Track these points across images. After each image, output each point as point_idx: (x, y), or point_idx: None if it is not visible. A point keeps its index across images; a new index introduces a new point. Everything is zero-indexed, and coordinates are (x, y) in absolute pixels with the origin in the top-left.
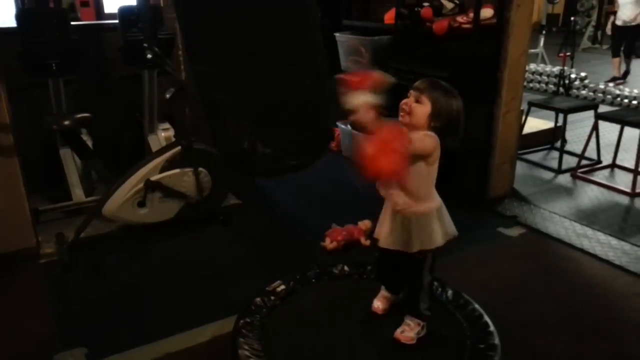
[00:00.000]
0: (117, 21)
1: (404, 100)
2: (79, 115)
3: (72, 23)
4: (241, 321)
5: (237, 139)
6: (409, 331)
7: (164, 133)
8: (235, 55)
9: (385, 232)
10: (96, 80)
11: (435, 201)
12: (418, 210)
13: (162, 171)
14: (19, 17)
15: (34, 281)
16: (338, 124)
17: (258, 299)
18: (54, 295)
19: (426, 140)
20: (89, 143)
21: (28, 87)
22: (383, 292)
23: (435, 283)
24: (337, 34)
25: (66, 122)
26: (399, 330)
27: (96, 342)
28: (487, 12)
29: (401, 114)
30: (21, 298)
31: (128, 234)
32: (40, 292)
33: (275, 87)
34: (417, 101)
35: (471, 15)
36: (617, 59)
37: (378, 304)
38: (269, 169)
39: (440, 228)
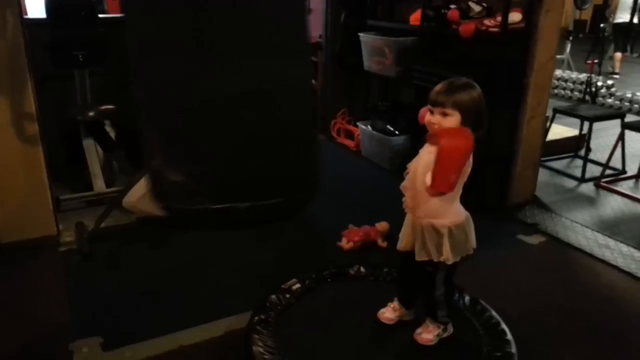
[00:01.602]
0: None
1: (430, 119)
2: (103, 107)
3: (100, 15)
4: (256, 317)
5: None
6: (427, 333)
7: None
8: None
9: (401, 234)
10: (121, 72)
11: (451, 219)
12: (431, 222)
13: None
14: (48, 8)
15: (54, 269)
16: (358, 124)
17: (273, 296)
18: (72, 283)
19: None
20: (112, 135)
21: (54, 78)
22: (394, 304)
23: (453, 289)
24: (361, 34)
25: (90, 114)
26: (418, 331)
27: (112, 332)
28: (515, 16)
29: (430, 130)
30: (40, 285)
31: (147, 226)
32: (59, 280)
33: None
34: (444, 115)
35: (499, 19)
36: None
37: (385, 313)
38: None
39: (451, 245)
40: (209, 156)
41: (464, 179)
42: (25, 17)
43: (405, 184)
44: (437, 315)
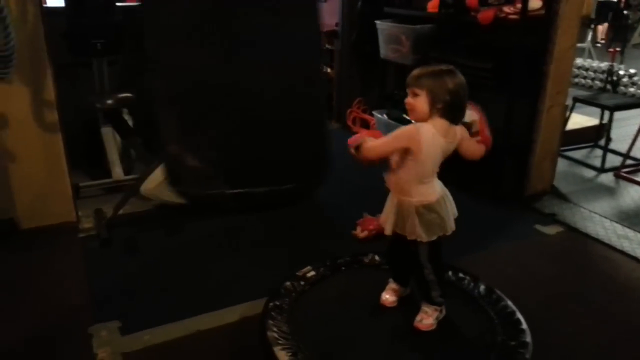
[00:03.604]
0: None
1: (406, 100)
2: (121, 95)
3: (117, 4)
4: (271, 304)
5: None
6: (427, 318)
7: None
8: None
9: (384, 216)
10: (138, 61)
11: (423, 197)
12: (405, 199)
13: None
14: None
15: (73, 254)
16: (374, 112)
17: (288, 283)
18: (91, 268)
19: (382, 140)
20: (130, 122)
21: (73, 66)
22: (391, 285)
23: (468, 277)
24: (377, 22)
25: (109, 102)
26: (417, 319)
27: (130, 317)
28: (535, 3)
29: (409, 112)
30: (60, 270)
31: (164, 212)
32: (78, 265)
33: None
34: (414, 95)
35: (519, 5)
36: None
37: (386, 297)
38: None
39: (421, 224)
40: (225, 141)
41: (436, 160)
42: (45, 5)
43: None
44: (432, 296)
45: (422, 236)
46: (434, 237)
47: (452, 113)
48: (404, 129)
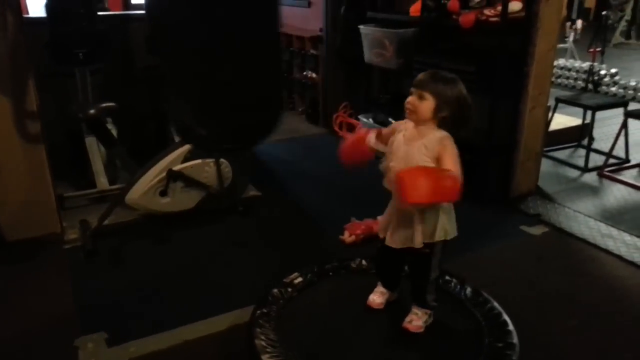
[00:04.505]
0: (144, 11)
1: (408, 99)
2: (105, 105)
3: (100, 13)
4: (258, 311)
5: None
6: (416, 320)
7: None
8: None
9: (390, 230)
10: (122, 69)
11: None
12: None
13: (184, 161)
14: (47, 6)
15: (58, 266)
16: (360, 117)
17: (275, 290)
18: (77, 280)
19: (454, 150)
20: (114, 132)
21: (55, 76)
22: (380, 288)
23: (454, 280)
24: (361, 27)
25: (92, 111)
26: (407, 320)
27: (116, 328)
28: (515, 5)
29: (407, 112)
30: (45, 282)
31: (150, 222)
32: (64, 277)
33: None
34: (420, 97)
35: (499, 8)
36: None
37: (374, 298)
38: (204, 147)
39: (446, 221)
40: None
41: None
42: (26, 16)
43: (391, 181)
44: (427, 300)
45: (442, 235)
46: (456, 233)
47: (453, 124)
48: (453, 150)
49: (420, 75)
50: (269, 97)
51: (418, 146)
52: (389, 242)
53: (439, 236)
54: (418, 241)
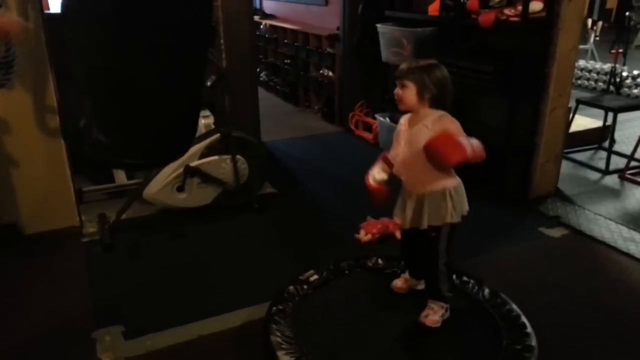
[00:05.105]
0: None
1: (394, 91)
2: None
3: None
4: (274, 308)
5: (76, 115)
6: (433, 315)
7: (204, 120)
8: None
9: (400, 212)
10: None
11: (451, 180)
12: (432, 188)
13: (201, 157)
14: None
15: (76, 259)
16: (376, 116)
17: (291, 287)
18: (95, 273)
19: (455, 124)
20: None
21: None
22: (405, 275)
23: (472, 281)
24: (379, 25)
25: None
26: (423, 314)
27: (133, 321)
28: (536, 5)
29: (397, 103)
30: (63, 275)
31: (166, 217)
32: (82, 270)
33: (138, 75)
34: (403, 86)
35: (519, 8)
36: None
37: (398, 283)
38: (98, 157)
39: (452, 206)
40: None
41: None
42: (47, 12)
43: (399, 167)
44: (441, 290)
45: (449, 217)
46: (459, 218)
47: (439, 102)
48: (455, 124)
49: (400, 66)
50: (186, 115)
51: (419, 128)
52: (402, 223)
53: (444, 219)
54: (424, 223)
